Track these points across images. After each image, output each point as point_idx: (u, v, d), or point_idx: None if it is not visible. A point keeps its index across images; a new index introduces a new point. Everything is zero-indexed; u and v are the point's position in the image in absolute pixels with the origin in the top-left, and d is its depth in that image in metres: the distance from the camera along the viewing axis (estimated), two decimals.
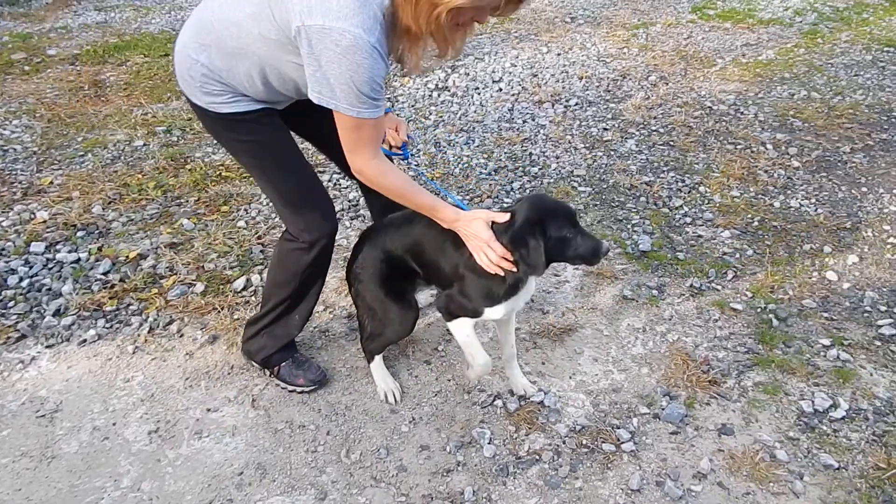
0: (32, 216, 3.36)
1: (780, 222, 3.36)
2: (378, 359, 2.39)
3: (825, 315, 2.77)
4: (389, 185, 1.94)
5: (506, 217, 1.97)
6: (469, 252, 2.01)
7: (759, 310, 2.79)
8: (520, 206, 1.99)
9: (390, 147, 2.30)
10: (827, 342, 2.62)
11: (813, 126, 4.29)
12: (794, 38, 5.77)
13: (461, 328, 2.16)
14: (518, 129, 4.31)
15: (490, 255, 1.95)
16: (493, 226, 1.97)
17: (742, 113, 4.47)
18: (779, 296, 2.87)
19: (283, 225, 2.24)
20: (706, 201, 3.54)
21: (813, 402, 2.36)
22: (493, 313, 2.09)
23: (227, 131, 2.03)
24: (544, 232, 1.91)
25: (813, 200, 3.53)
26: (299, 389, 2.38)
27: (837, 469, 2.13)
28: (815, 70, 5.10)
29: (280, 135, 2.08)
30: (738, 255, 3.12)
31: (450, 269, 2.10)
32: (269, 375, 2.44)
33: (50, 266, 3.02)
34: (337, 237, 3.13)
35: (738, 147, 4.05)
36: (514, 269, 1.96)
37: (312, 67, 1.71)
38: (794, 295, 2.88)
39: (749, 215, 3.41)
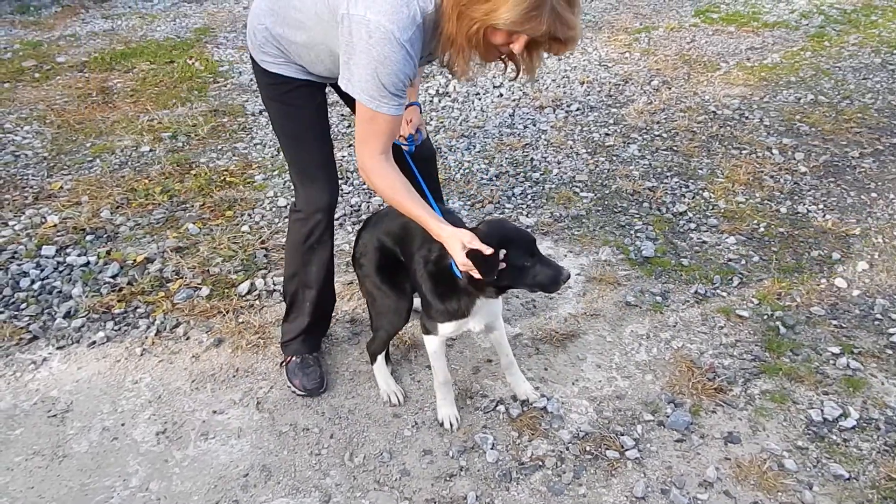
0: (43, 220, 3.39)
1: (787, 228, 3.35)
2: (380, 360, 2.42)
3: (834, 323, 2.76)
4: (387, 186, 1.96)
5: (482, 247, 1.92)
6: (430, 259, 2.07)
7: (765, 317, 2.79)
8: (478, 232, 1.95)
9: (398, 136, 2.32)
10: (836, 350, 2.61)
11: (820, 130, 4.28)
12: (800, 42, 5.76)
13: (430, 343, 2.23)
14: (519, 135, 4.32)
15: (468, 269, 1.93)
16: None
17: (747, 117, 4.47)
18: (786, 303, 2.86)
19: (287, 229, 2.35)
20: (711, 207, 3.53)
21: (822, 410, 2.34)
22: (443, 330, 2.13)
23: (270, 89, 2.17)
24: (504, 259, 1.89)
25: (821, 206, 3.53)
26: (293, 390, 2.43)
27: (848, 479, 2.12)
28: (823, 74, 5.09)
29: (313, 108, 2.19)
30: (743, 262, 3.12)
31: (417, 268, 2.14)
32: (280, 365, 2.50)
33: (60, 269, 3.05)
34: (338, 242, 3.18)
35: (744, 152, 4.05)
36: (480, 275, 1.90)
37: (346, 55, 1.80)
38: (802, 302, 2.87)
39: (755, 221, 3.40)
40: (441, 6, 1.75)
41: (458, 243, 1.89)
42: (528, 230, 2.11)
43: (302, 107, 2.17)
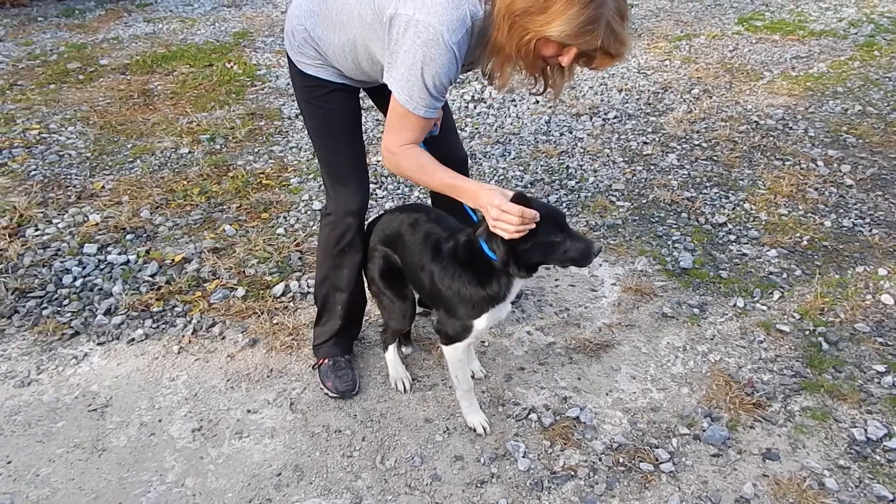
0: (85, 219, 3.48)
1: (832, 242, 3.26)
2: (392, 348, 2.48)
3: (879, 340, 2.67)
4: (415, 165, 1.93)
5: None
6: (443, 268, 2.06)
7: (807, 332, 2.72)
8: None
9: None
10: (881, 368, 2.53)
11: (868, 143, 4.17)
12: (848, 51, 5.62)
13: (454, 352, 2.18)
14: (555, 142, 4.29)
15: (508, 225, 1.81)
16: (477, 231, 1.98)
17: (791, 128, 4.37)
18: (829, 318, 2.79)
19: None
20: (751, 219, 3.46)
21: (865, 430, 2.27)
22: (479, 324, 2.09)
23: (306, 91, 2.18)
24: (535, 233, 1.86)
25: (867, 220, 3.43)
26: (326, 392, 2.44)
27: (892, 501, 2.05)
28: (871, 84, 4.96)
29: (348, 112, 2.21)
30: (785, 276, 3.05)
31: (427, 281, 2.12)
32: (313, 367, 2.52)
33: (101, 267, 3.12)
34: None
35: (787, 163, 3.96)
36: (535, 223, 1.83)
37: (391, 55, 1.81)
38: (846, 318, 2.79)
39: (798, 234, 3.32)
40: (492, 14, 1.74)
41: (498, 196, 1.81)
42: (555, 205, 2.07)
43: (336, 110, 2.19)
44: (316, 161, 3.98)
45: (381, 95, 2.26)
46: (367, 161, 2.44)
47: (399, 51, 1.78)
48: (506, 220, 1.79)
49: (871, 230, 3.35)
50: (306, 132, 2.47)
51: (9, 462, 2.19)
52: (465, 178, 1.94)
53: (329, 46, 2.04)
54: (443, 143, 2.38)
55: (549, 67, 1.84)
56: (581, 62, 1.79)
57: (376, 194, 3.69)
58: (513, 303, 2.76)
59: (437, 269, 2.08)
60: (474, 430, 2.30)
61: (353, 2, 1.92)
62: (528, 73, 1.84)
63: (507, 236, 1.84)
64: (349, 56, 2.03)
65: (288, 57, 2.19)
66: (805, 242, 3.26)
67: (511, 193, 1.82)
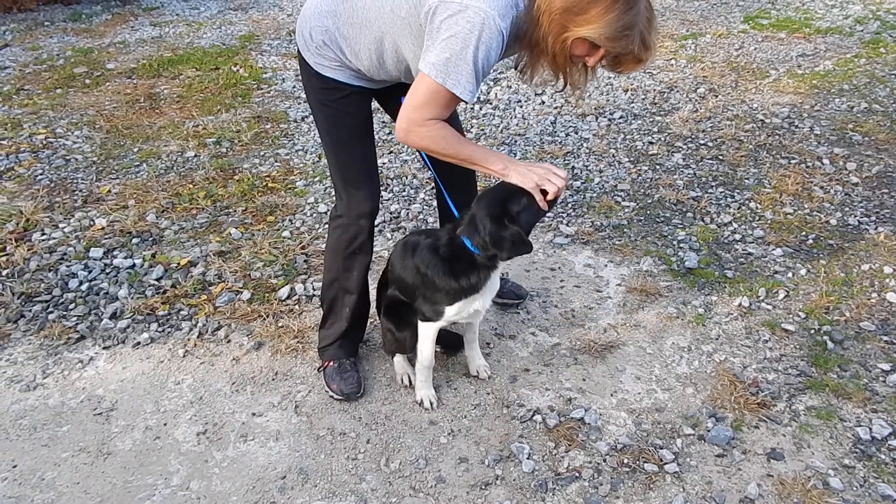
0: (92, 223, 3.50)
1: (837, 240, 3.25)
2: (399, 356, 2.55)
3: (885, 339, 2.66)
4: (439, 136, 1.94)
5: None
6: (424, 261, 2.16)
7: (812, 331, 2.70)
8: (476, 210, 2.08)
9: None
10: (887, 367, 2.52)
11: (874, 140, 4.14)
12: (854, 48, 5.59)
13: (426, 330, 2.29)
14: (561, 143, 4.29)
15: (558, 180, 2.02)
16: (458, 229, 2.13)
17: (797, 126, 4.35)
18: (834, 317, 2.77)
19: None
20: (757, 218, 3.45)
21: (870, 429, 2.27)
22: (450, 311, 2.20)
23: (321, 93, 2.18)
24: (510, 217, 2.02)
25: (873, 218, 3.41)
26: (331, 394, 2.44)
27: None
28: (878, 81, 4.93)
29: (361, 115, 2.22)
30: (790, 274, 3.03)
31: (411, 277, 2.26)
32: (318, 370, 2.53)
33: (107, 271, 3.14)
34: (377, 248, 3.20)
35: (792, 162, 3.94)
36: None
37: (432, 42, 1.81)
38: (851, 317, 2.77)
39: (803, 233, 3.31)
40: (531, 10, 1.79)
41: (539, 169, 2.01)
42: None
43: (351, 113, 2.19)
44: (322, 164, 4.01)
45: (390, 99, 2.28)
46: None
47: (442, 37, 1.78)
48: (555, 173, 2.01)
49: (876, 228, 3.33)
50: (317, 134, 2.48)
51: (14, 466, 2.21)
52: (493, 152, 2.06)
53: (351, 45, 2.02)
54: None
55: (572, 66, 1.90)
56: (607, 64, 1.87)
57: (382, 196, 3.69)
58: (517, 304, 2.79)
59: (420, 262, 2.19)
60: (421, 404, 2.39)
61: None
62: (556, 70, 1.89)
63: (555, 189, 2.02)
64: (374, 54, 2.02)
65: (301, 59, 2.16)
66: (810, 241, 3.25)
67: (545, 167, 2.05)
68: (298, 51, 2.17)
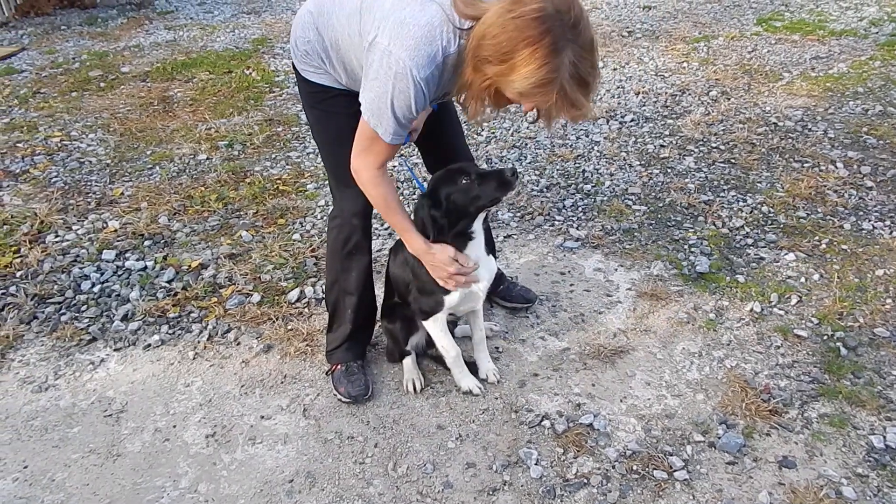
0: (105, 225, 3.53)
1: (851, 245, 3.21)
2: (410, 358, 2.55)
3: None
4: (377, 195, 2.10)
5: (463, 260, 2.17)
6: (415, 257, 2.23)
7: (825, 337, 2.67)
8: (428, 199, 2.15)
9: None
10: None
11: (889, 144, 4.09)
12: (869, 51, 5.54)
13: (433, 325, 2.35)
14: (571, 146, 4.27)
15: (449, 280, 2.18)
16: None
17: (810, 129, 4.31)
18: (848, 323, 2.74)
19: None
20: (769, 222, 3.42)
21: (885, 437, 2.23)
22: (449, 299, 2.25)
23: (310, 97, 2.25)
24: (437, 198, 2.10)
25: (888, 223, 3.37)
26: (339, 397, 2.44)
27: None
28: (893, 84, 4.87)
29: (349, 114, 2.21)
30: (803, 280, 3.00)
31: (400, 272, 2.36)
32: (326, 373, 2.54)
33: (119, 273, 3.17)
34: (385, 252, 3.20)
35: (806, 165, 3.90)
36: (470, 281, 2.20)
37: (366, 78, 1.89)
38: (865, 323, 2.74)
39: (816, 237, 3.27)
40: (464, 51, 1.78)
41: (447, 255, 2.13)
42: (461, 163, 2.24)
43: (339, 113, 2.21)
44: None
45: None
46: None
47: (372, 76, 1.85)
48: (439, 269, 2.15)
49: (891, 233, 3.28)
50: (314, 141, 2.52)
51: (25, 467, 2.23)
52: (415, 230, 2.14)
53: (331, 57, 2.10)
54: (447, 146, 2.42)
55: (507, 108, 1.96)
56: (540, 115, 1.86)
57: None
58: (526, 308, 2.78)
59: (406, 254, 2.25)
60: (470, 392, 2.42)
61: (344, 21, 1.99)
62: (496, 110, 1.92)
63: (449, 286, 2.19)
64: (346, 69, 2.10)
65: (293, 64, 2.25)
66: (824, 245, 3.21)
67: (453, 254, 2.15)
68: (291, 57, 2.26)
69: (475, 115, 1.88)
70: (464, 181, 2.08)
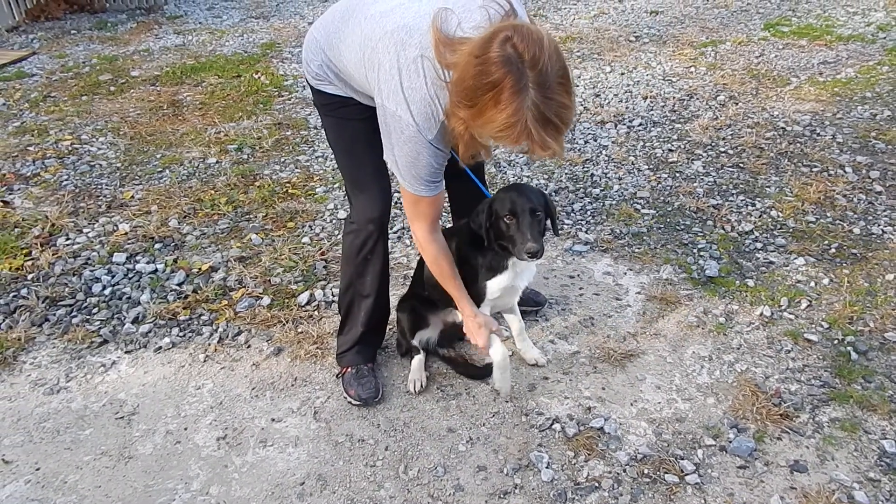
0: (115, 228, 3.55)
1: (861, 250, 3.20)
2: (419, 357, 2.58)
3: None
4: (434, 261, 2.21)
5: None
6: (461, 242, 2.35)
7: (836, 342, 2.67)
8: (485, 202, 2.23)
9: None
10: None
11: None
12: (877, 56, 5.53)
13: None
14: (580, 150, 4.28)
15: (481, 342, 2.31)
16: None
17: (818, 134, 4.31)
18: (858, 327, 2.73)
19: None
20: (778, 226, 3.41)
21: None
22: (490, 287, 2.33)
23: (324, 106, 2.28)
24: (492, 211, 2.18)
25: None
26: (349, 400, 2.45)
27: None
28: None
29: (364, 119, 2.24)
30: (813, 284, 3.00)
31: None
32: (337, 377, 2.54)
33: (130, 276, 3.18)
34: (396, 255, 3.21)
35: (814, 170, 3.90)
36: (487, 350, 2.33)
37: (385, 139, 1.96)
38: (876, 327, 2.73)
39: (825, 242, 3.27)
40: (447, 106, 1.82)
41: (484, 330, 2.27)
42: (541, 197, 2.23)
43: (353, 119, 2.23)
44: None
45: None
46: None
47: (391, 140, 1.93)
48: (475, 334, 2.29)
49: None
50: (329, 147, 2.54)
51: (37, 469, 2.24)
52: (466, 295, 2.27)
53: (341, 79, 2.15)
54: (469, 185, 2.45)
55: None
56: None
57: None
58: (536, 311, 2.78)
59: (457, 242, 2.35)
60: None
61: (349, 56, 2.02)
62: (482, 151, 1.93)
63: (477, 342, 2.31)
64: (351, 91, 2.16)
65: (306, 78, 2.28)
66: (833, 250, 3.21)
67: (495, 327, 2.30)
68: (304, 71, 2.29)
69: (465, 158, 1.90)
70: (506, 220, 2.13)
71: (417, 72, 1.82)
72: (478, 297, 2.34)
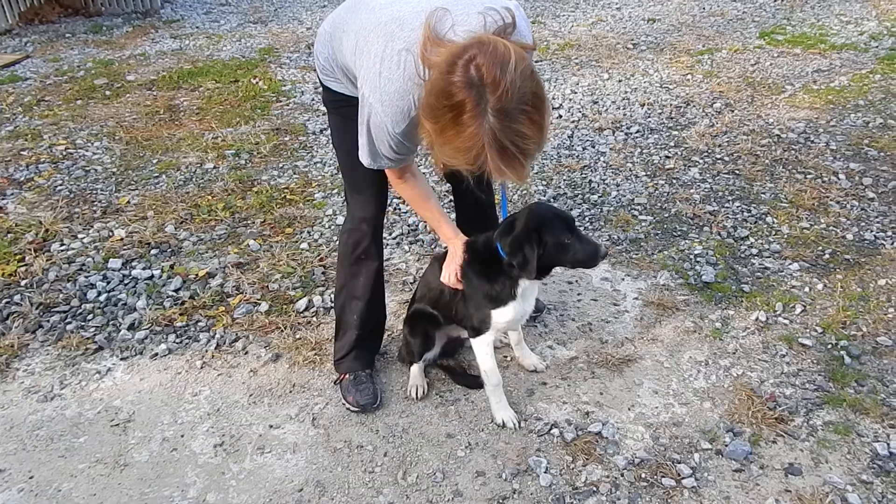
0: (111, 234, 3.54)
1: (854, 255, 3.23)
2: (418, 365, 2.54)
3: None
4: (410, 199, 2.25)
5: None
6: (465, 279, 2.27)
7: (829, 346, 2.69)
8: (520, 214, 2.16)
9: None
10: None
11: (890, 155, 4.12)
12: (869, 64, 5.58)
13: (480, 345, 2.33)
14: (578, 157, 4.30)
15: (451, 274, 2.27)
16: (495, 233, 2.22)
17: (812, 141, 4.34)
18: (851, 332, 2.76)
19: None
20: (773, 232, 3.44)
21: (888, 444, 2.24)
22: (497, 316, 2.25)
23: (330, 102, 2.31)
24: (540, 239, 2.08)
25: (889, 233, 3.39)
26: (347, 406, 2.45)
27: None
28: (893, 97, 4.91)
29: None
30: (807, 289, 3.02)
31: (457, 299, 2.35)
32: (335, 383, 2.54)
33: (126, 282, 3.17)
34: (395, 260, 3.22)
35: (808, 177, 3.93)
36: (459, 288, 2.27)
37: (359, 123, 1.98)
38: (868, 332, 2.75)
39: (819, 247, 3.29)
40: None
41: (461, 245, 2.24)
42: (566, 210, 2.21)
43: (356, 120, 2.23)
44: (340, 176, 4.03)
45: None
46: None
47: (361, 117, 1.94)
48: (450, 271, 2.26)
49: (893, 243, 3.30)
50: (331, 145, 2.54)
51: (31, 477, 2.22)
52: (448, 220, 2.27)
53: (345, 75, 2.16)
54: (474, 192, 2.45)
55: None
56: None
57: (400, 209, 3.71)
58: (534, 317, 2.79)
59: (466, 269, 2.27)
60: (503, 426, 2.36)
61: (347, 51, 2.04)
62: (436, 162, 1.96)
63: (443, 279, 2.28)
64: (353, 88, 2.15)
65: (316, 72, 2.31)
66: (827, 256, 3.23)
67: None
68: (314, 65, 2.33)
69: (438, 166, 1.93)
70: (566, 240, 2.11)
71: (399, 64, 1.82)
72: (483, 324, 2.28)
